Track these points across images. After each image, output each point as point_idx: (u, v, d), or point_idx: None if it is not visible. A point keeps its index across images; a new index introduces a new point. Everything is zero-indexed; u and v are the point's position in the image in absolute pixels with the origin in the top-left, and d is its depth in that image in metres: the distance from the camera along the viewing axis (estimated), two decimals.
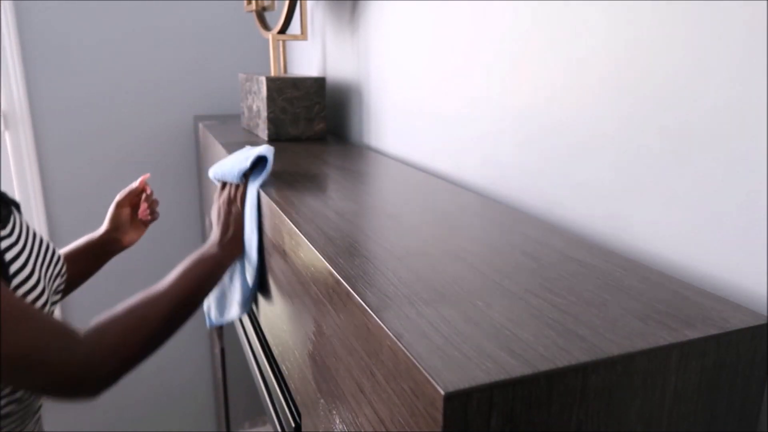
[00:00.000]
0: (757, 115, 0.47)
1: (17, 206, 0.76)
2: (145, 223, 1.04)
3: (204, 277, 0.76)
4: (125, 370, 0.65)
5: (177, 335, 2.05)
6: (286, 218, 0.67)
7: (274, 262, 0.75)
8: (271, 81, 1.23)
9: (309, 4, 1.59)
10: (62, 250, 0.92)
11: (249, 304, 0.89)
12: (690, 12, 0.51)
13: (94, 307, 1.92)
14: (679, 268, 0.55)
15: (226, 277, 0.90)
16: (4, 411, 0.66)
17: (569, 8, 0.65)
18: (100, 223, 1.87)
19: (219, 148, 1.21)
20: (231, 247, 0.82)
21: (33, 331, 0.57)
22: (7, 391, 0.66)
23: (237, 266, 0.88)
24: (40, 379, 0.58)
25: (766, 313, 0.47)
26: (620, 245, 0.62)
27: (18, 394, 0.68)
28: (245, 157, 0.86)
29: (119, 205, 0.99)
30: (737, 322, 0.42)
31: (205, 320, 2.08)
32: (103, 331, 0.63)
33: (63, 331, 0.60)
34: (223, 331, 1.59)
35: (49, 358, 0.58)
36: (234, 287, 0.89)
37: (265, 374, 0.85)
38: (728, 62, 0.49)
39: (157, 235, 1.95)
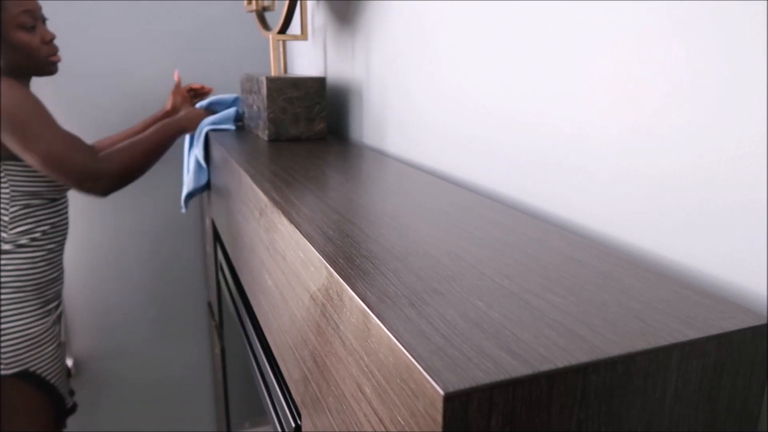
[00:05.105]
0: (757, 108, 0.47)
1: None
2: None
3: (171, 135, 1.39)
4: (125, 175, 1.29)
5: (177, 335, 2.06)
6: (286, 219, 0.67)
7: (274, 262, 0.75)
8: (271, 81, 1.22)
9: (309, 4, 1.59)
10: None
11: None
12: None
13: (95, 305, 1.92)
14: (679, 268, 0.55)
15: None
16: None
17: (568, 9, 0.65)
18: (104, 222, 1.87)
19: (219, 148, 1.21)
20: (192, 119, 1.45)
21: (72, 148, 1.23)
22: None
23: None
24: (75, 172, 1.22)
25: (766, 313, 0.47)
26: (620, 244, 0.62)
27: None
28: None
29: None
30: (738, 323, 0.42)
31: (205, 322, 2.09)
32: (109, 152, 1.28)
33: (88, 147, 1.26)
34: (223, 331, 1.59)
35: (79, 161, 1.23)
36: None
37: (265, 374, 0.85)
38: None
39: (157, 235, 1.95)
